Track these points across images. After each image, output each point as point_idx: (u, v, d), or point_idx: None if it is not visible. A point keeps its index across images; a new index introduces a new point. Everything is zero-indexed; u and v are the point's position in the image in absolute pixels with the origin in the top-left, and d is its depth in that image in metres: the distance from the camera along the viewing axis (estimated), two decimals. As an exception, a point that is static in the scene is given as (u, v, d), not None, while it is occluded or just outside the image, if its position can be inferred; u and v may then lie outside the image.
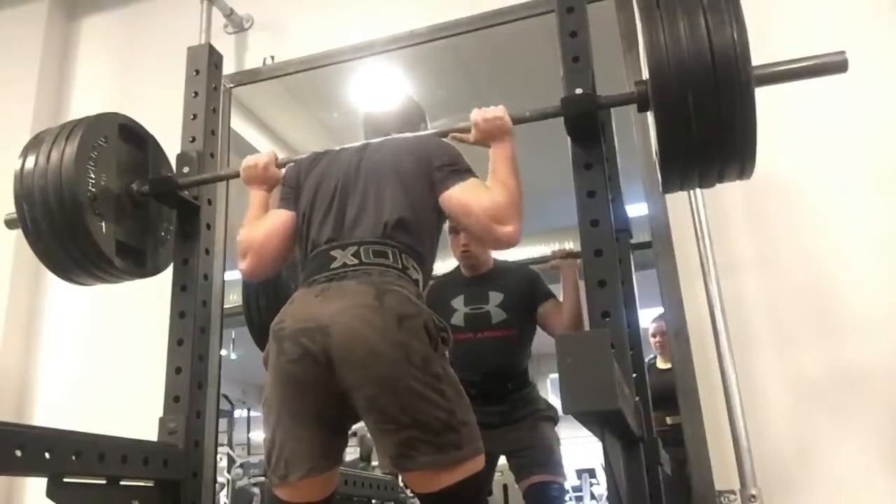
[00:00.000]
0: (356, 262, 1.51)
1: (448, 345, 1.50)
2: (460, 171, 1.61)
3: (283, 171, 1.82)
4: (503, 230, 1.54)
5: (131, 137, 2.10)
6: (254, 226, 1.73)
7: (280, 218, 1.70)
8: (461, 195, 1.58)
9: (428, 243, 1.62)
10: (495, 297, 2.45)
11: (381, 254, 1.52)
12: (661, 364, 2.93)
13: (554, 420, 2.49)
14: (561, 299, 2.46)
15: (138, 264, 2.06)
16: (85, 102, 2.93)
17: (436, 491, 1.39)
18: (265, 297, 2.17)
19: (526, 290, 2.48)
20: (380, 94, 2.98)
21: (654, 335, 2.99)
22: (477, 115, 1.67)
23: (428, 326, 1.43)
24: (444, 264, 2.60)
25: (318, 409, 1.44)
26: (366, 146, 1.72)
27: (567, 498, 8.68)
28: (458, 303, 2.48)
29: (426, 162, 1.63)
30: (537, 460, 2.37)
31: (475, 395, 2.48)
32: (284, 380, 1.45)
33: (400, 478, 2.07)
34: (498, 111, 1.66)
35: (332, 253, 1.54)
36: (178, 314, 2.05)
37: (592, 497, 8.15)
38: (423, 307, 1.46)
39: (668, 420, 2.30)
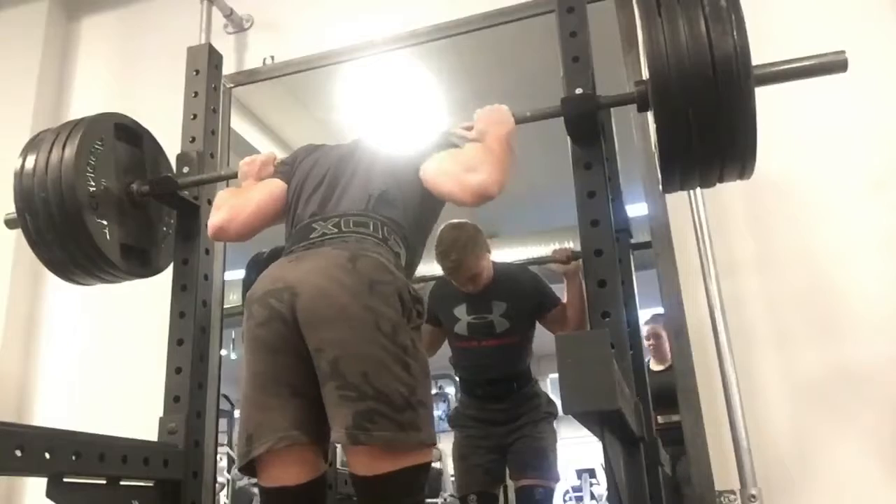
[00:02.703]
0: (335, 231, 1.49)
1: (422, 318, 1.44)
2: (444, 145, 1.62)
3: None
4: (476, 178, 1.48)
5: (127, 136, 2.09)
6: (238, 190, 1.74)
7: (269, 186, 1.71)
8: (438, 160, 1.57)
9: (414, 225, 1.59)
10: (498, 307, 2.46)
11: (362, 224, 1.50)
12: (655, 365, 2.94)
13: (553, 415, 2.51)
14: (564, 300, 2.47)
15: (139, 264, 2.06)
16: (85, 102, 2.93)
17: (379, 475, 1.29)
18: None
19: (529, 298, 2.48)
20: (380, 94, 3.00)
21: (647, 338, 2.99)
22: (480, 110, 1.69)
23: (402, 295, 1.38)
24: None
25: (289, 376, 1.36)
26: (362, 140, 1.73)
27: (567, 498, 8.69)
28: (461, 311, 2.49)
29: (418, 147, 1.64)
30: (529, 463, 2.41)
31: (481, 395, 2.54)
32: (253, 346, 1.38)
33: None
34: (502, 108, 1.68)
35: (314, 225, 1.52)
36: (178, 314, 2.05)
37: (592, 497, 8.16)
38: (398, 275, 1.41)
39: (660, 419, 2.30)
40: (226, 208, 1.67)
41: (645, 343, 2.99)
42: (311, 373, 1.35)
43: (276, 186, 1.70)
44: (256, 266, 2.07)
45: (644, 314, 2.33)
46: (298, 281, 1.35)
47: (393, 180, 1.58)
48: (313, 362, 1.34)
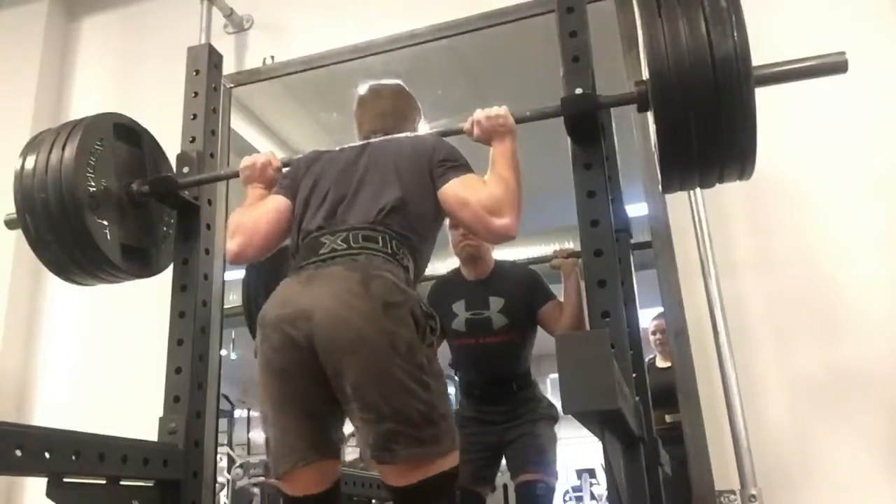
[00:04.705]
0: (345, 246, 1.50)
1: (436, 334, 1.47)
2: (458, 166, 1.62)
3: (281, 172, 1.83)
4: (499, 222, 1.53)
5: (127, 136, 2.09)
6: (247, 209, 1.74)
7: (274, 203, 1.71)
8: (458, 189, 1.58)
9: (422, 235, 1.60)
10: (496, 303, 2.45)
11: (371, 238, 1.51)
12: (661, 363, 2.93)
13: (554, 418, 2.49)
14: (562, 299, 2.47)
15: (139, 265, 2.06)
16: (85, 102, 2.93)
17: (408, 485, 1.37)
18: (265, 289, 2.17)
19: (526, 293, 2.48)
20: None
21: (654, 332, 2.99)
22: (480, 113, 1.68)
23: (415, 313, 1.41)
24: (444, 264, 2.60)
25: (304, 399, 1.42)
26: (366, 146, 1.72)
27: (567, 498, 8.67)
28: (459, 307, 2.48)
29: (426, 158, 1.63)
30: (528, 458, 2.39)
31: (480, 396, 2.52)
32: (268, 370, 1.43)
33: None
34: (501, 111, 1.66)
35: (322, 239, 1.53)
36: (178, 314, 2.05)
37: (592, 497, 8.16)
38: (410, 293, 1.44)
39: (668, 418, 2.30)
40: (240, 234, 1.68)
41: (651, 338, 2.99)
42: (325, 393, 1.41)
43: (283, 204, 1.69)
44: (257, 267, 2.07)
45: (644, 314, 2.32)
46: (313, 306, 1.38)
47: (402, 194, 1.58)
48: (331, 384, 1.39)
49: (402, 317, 1.39)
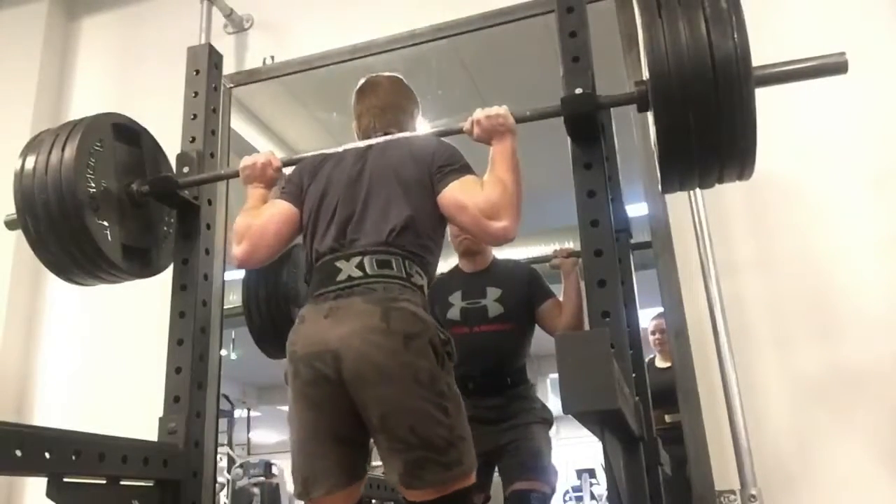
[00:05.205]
0: (361, 274, 1.53)
1: (453, 360, 1.53)
2: (457, 169, 1.62)
3: (281, 172, 1.83)
4: (496, 225, 1.55)
5: (126, 136, 2.08)
6: (252, 213, 1.74)
7: (278, 208, 1.72)
8: (456, 193, 1.59)
9: (431, 247, 1.63)
10: (493, 292, 2.44)
11: (385, 263, 1.54)
12: (660, 362, 2.93)
13: (548, 422, 2.45)
14: (562, 298, 2.46)
15: (139, 265, 2.06)
16: (85, 102, 2.93)
17: (430, 500, 1.44)
18: (265, 289, 2.18)
19: (524, 286, 2.47)
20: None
21: (653, 332, 2.98)
22: (479, 113, 1.68)
23: (433, 341, 1.47)
24: (444, 264, 2.60)
25: (335, 428, 1.49)
26: (368, 150, 1.72)
27: (567, 498, 8.64)
28: (456, 297, 2.46)
29: (426, 164, 1.64)
30: (524, 465, 2.28)
31: (473, 389, 2.47)
32: (301, 401, 1.50)
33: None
34: (501, 110, 1.66)
35: (337, 264, 1.56)
36: (178, 314, 2.05)
37: (592, 497, 8.16)
38: (428, 321, 1.49)
39: (668, 418, 2.29)
40: (247, 239, 1.69)
41: (651, 338, 2.98)
42: (354, 422, 1.48)
43: (288, 209, 1.71)
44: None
45: (644, 314, 2.32)
46: (339, 344, 1.45)
47: (410, 209, 1.58)
48: (361, 415, 1.46)
49: (422, 347, 1.45)
